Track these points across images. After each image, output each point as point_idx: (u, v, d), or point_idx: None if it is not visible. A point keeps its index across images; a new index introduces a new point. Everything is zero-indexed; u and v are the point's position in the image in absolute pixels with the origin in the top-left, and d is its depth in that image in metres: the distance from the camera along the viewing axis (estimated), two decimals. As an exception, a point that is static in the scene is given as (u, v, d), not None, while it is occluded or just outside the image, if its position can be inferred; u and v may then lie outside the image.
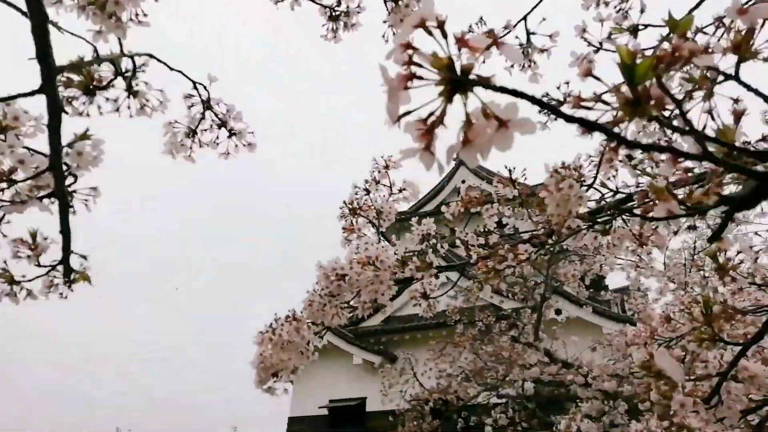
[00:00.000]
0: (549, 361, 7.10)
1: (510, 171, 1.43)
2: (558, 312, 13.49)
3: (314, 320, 1.29)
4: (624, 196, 1.27)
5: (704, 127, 0.68)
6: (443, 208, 1.71)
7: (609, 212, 1.24)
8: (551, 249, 1.28)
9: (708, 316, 1.19)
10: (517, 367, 7.19)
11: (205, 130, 1.38)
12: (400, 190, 1.81)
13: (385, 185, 1.80)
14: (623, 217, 1.35)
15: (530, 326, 6.96)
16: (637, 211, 0.97)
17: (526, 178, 1.43)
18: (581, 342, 7.96)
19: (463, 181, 31.81)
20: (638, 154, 1.19)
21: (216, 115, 1.34)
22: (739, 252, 1.28)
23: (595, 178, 1.21)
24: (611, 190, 1.23)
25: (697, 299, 1.27)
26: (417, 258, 1.39)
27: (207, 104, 1.30)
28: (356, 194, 1.71)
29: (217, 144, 1.38)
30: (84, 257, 1.30)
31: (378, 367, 21.63)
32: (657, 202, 0.82)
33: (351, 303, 1.37)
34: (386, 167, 1.76)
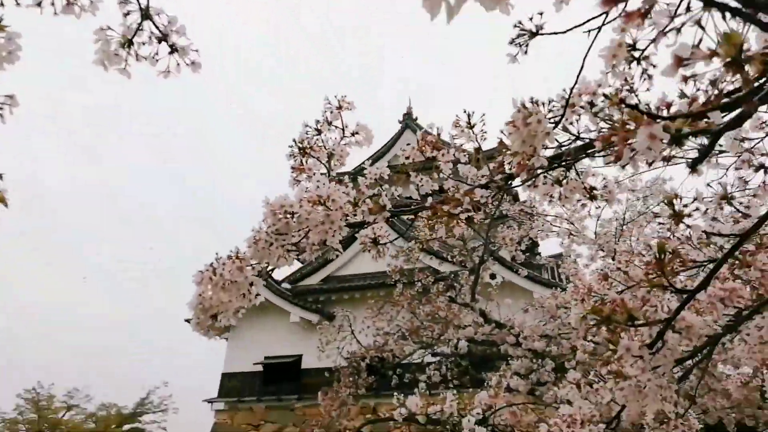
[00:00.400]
0: (483, 322, 7.33)
1: (469, 116, 1.37)
2: (493, 276, 13.96)
3: (259, 260, 1.21)
4: (585, 143, 1.25)
5: None
6: (399, 152, 1.63)
7: (570, 157, 1.22)
8: (500, 198, 1.26)
9: (661, 261, 1.21)
10: (453, 326, 7.39)
11: (144, 43, 1.23)
12: (353, 134, 1.72)
13: (337, 127, 1.71)
14: (580, 165, 1.34)
15: (467, 287, 7.12)
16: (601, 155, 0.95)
17: (484, 124, 1.38)
18: (514, 305, 8.26)
19: (408, 144, 31.89)
20: (600, 101, 1.17)
21: (156, 27, 1.19)
22: (695, 200, 1.31)
23: (557, 123, 1.18)
24: (573, 135, 1.21)
25: (650, 244, 1.29)
26: (370, 200, 1.33)
27: (145, 12, 1.15)
28: (307, 133, 1.62)
29: (157, 60, 1.24)
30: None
31: (316, 325, 21.77)
32: (627, 141, 0.79)
33: (299, 244, 1.29)
34: (339, 108, 1.67)
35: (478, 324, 7.50)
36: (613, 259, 6.92)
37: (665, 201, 1.28)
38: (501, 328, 6.95)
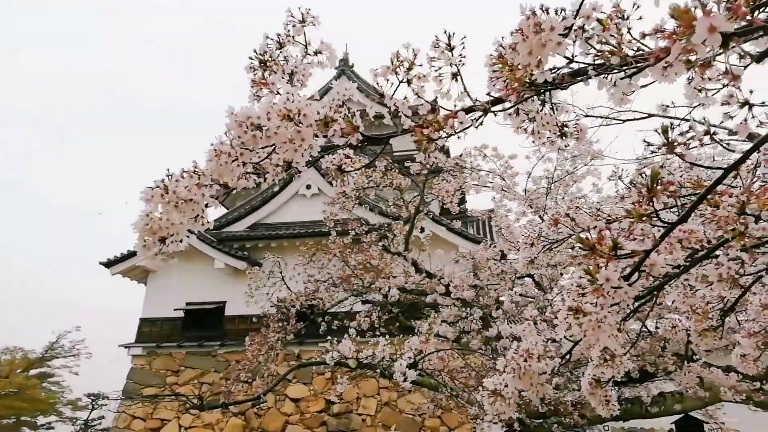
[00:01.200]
0: (415, 272, 7.44)
1: (449, 37, 1.27)
2: (422, 229, 14.19)
3: (218, 176, 1.08)
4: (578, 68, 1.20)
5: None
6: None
7: (564, 81, 1.16)
8: (482, 123, 1.19)
9: (652, 191, 1.20)
10: (384, 275, 7.46)
11: None
12: (316, 53, 1.58)
13: (300, 43, 1.55)
14: (555, 99, 1.29)
15: (401, 237, 7.17)
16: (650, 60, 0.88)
17: (464, 47, 1.29)
18: (445, 256, 8.44)
19: (346, 90, 31.23)
20: (592, 26, 1.12)
21: None
22: (689, 129, 1.30)
23: (567, 34, 1.11)
24: (567, 58, 1.15)
25: (644, 173, 1.28)
26: (343, 120, 1.21)
27: None
28: (267, 46, 1.45)
29: None
30: None
31: (245, 272, 21.40)
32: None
33: (261, 164, 1.17)
34: (303, 22, 1.51)
35: (407, 274, 7.62)
36: (542, 218, 7.17)
37: (660, 130, 1.26)
38: (431, 278, 7.10)
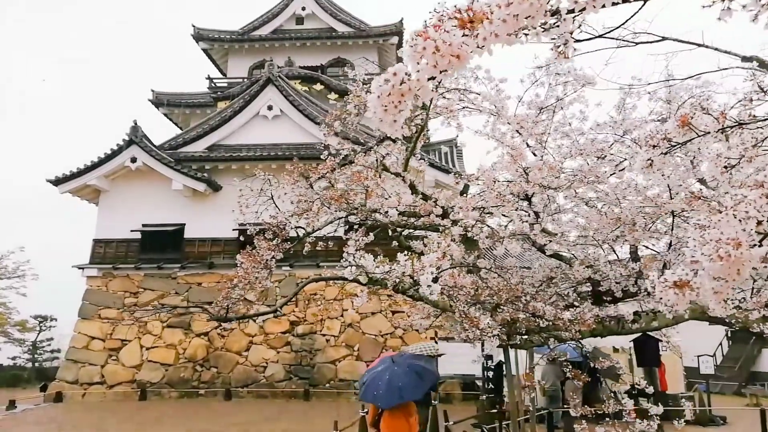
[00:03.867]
0: (412, 193, 7.41)
1: None
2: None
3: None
4: None
5: None
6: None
7: None
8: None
9: None
10: (376, 196, 7.40)
11: None
12: None
13: None
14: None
15: (401, 157, 7.07)
16: None
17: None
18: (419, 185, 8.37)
19: (303, 8, 29.66)
20: None
21: None
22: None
23: None
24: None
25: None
26: None
27: None
28: None
29: None
30: None
31: (204, 192, 20.82)
32: None
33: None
34: None
35: (398, 195, 7.59)
36: (528, 144, 7.19)
37: (755, 58, 1.21)
38: (426, 200, 7.10)
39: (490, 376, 15.70)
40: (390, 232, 7.12)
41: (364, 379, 6.83)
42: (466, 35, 0.94)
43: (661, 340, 10.70)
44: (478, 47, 0.95)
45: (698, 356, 15.35)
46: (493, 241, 5.74)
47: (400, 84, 1.00)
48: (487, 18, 0.99)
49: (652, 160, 2.00)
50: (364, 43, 28.46)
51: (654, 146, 2.04)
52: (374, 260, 5.08)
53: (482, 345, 13.73)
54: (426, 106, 6.63)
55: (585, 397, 12.35)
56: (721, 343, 24.43)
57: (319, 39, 28.53)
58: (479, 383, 15.42)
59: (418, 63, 0.99)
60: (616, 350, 14.78)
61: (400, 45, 29.12)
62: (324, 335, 19.28)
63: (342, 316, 19.49)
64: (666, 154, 1.97)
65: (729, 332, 23.92)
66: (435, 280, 4.63)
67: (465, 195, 7.33)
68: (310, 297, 19.21)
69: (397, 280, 5.19)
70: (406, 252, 5.99)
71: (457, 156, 25.42)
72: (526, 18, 0.94)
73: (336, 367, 18.72)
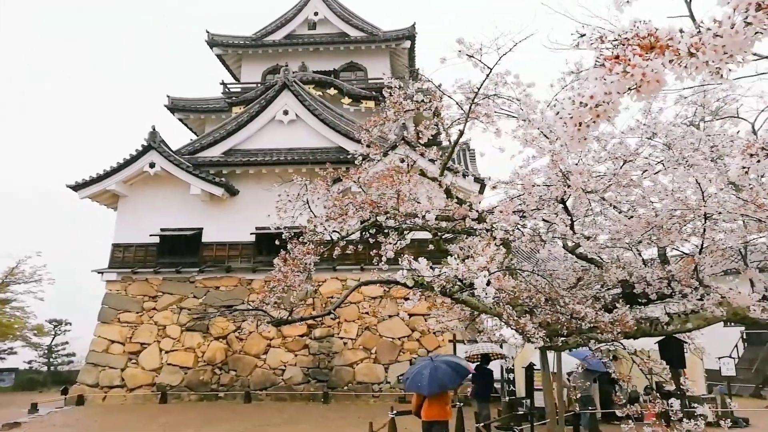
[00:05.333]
0: (447, 197, 7.55)
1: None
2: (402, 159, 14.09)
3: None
4: None
5: None
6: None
7: None
8: None
9: None
10: (408, 200, 7.53)
11: None
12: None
13: None
14: None
15: (439, 162, 7.20)
16: None
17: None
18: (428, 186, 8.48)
19: (316, 14, 29.89)
20: None
21: None
22: None
23: None
24: None
25: None
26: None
27: None
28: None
29: None
30: None
31: (222, 197, 21.01)
32: None
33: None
34: None
35: (430, 199, 7.72)
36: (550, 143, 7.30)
37: None
38: (461, 204, 7.23)
39: (511, 378, 15.75)
40: (432, 236, 7.24)
41: (407, 375, 8.48)
42: (667, 62, 1.07)
43: (686, 342, 10.76)
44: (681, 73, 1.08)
45: (719, 358, 15.36)
46: (535, 244, 5.86)
47: (596, 107, 1.12)
48: (669, 48, 1.12)
49: (747, 168, 2.12)
50: (377, 47, 28.65)
51: (752, 155, 2.15)
52: (426, 264, 5.19)
53: (500, 347, 13.81)
54: (467, 115, 6.76)
55: (602, 401, 12.43)
56: (736, 345, 24.40)
57: (332, 44, 28.76)
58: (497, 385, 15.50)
59: (604, 81, 1.12)
60: (635, 353, 14.80)
61: (412, 49, 29.29)
62: (341, 338, 19.40)
63: (359, 318, 19.61)
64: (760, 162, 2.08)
65: (744, 334, 23.88)
66: (488, 283, 4.75)
67: (481, 195, 7.36)
68: (327, 300, 19.34)
69: (445, 283, 5.32)
70: (451, 255, 6.11)
71: (470, 159, 25.55)
72: (734, 49, 1.07)
73: (354, 370, 18.84)
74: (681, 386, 8.89)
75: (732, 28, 1.03)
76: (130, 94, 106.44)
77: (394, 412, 9.80)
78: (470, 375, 9.78)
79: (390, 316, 19.46)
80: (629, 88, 1.11)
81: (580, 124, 1.17)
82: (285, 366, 19.10)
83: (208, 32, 28.59)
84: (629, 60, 1.09)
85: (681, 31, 1.13)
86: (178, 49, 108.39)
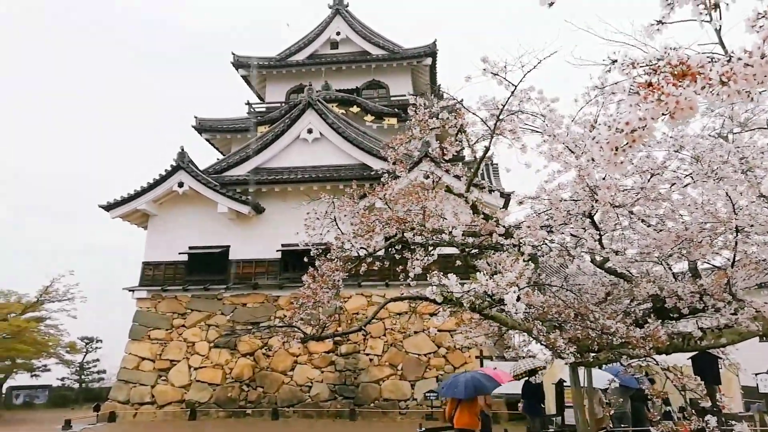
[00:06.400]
0: (473, 213, 7.58)
1: None
2: (426, 176, 14.15)
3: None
4: None
5: None
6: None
7: None
8: None
9: None
10: (435, 216, 7.58)
11: None
12: None
13: None
14: None
15: (465, 178, 7.26)
16: None
17: None
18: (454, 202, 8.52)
19: (338, 33, 30.40)
20: None
21: None
22: None
23: None
24: None
25: None
26: None
27: None
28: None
29: None
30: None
31: (248, 215, 21.35)
32: None
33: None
34: None
35: (456, 215, 7.77)
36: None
37: None
38: (487, 219, 7.26)
39: (540, 396, 15.53)
40: (459, 252, 7.28)
41: (443, 385, 9.72)
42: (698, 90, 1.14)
43: (721, 357, 10.52)
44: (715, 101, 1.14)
45: (756, 374, 14.92)
46: (563, 259, 5.86)
47: (632, 132, 1.20)
48: (701, 75, 1.19)
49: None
50: (398, 65, 28.96)
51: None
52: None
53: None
54: (492, 131, 6.82)
55: (634, 418, 12.17)
56: (773, 361, 23.62)
57: (354, 62, 29.17)
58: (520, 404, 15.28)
59: (639, 106, 1.19)
60: (667, 368, 14.46)
61: (434, 65, 29.51)
62: (367, 354, 19.40)
63: (385, 335, 19.61)
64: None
65: (782, 349, 23.13)
66: (518, 299, 4.78)
67: (506, 210, 7.34)
68: (353, 317, 19.39)
69: (474, 299, 5.36)
70: (479, 271, 6.14)
71: (493, 173, 25.50)
72: (765, 77, 1.13)
73: (380, 387, 18.79)
74: (717, 403, 8.73)
75: (762, 58, 1.09)
76: (161, 117, 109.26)
77: (423, 429, 9.77)
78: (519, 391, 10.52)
79: (416, 332, 19.40)
80: (663, 114, 1.18)
81: (617, 149, 1.24)
82: (312, 383, 19.15)
83: (234, 54, 29.29)
84: (662, 88, 1.16)
85: (712, 60, 1.20)
86: (205, 72, 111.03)
